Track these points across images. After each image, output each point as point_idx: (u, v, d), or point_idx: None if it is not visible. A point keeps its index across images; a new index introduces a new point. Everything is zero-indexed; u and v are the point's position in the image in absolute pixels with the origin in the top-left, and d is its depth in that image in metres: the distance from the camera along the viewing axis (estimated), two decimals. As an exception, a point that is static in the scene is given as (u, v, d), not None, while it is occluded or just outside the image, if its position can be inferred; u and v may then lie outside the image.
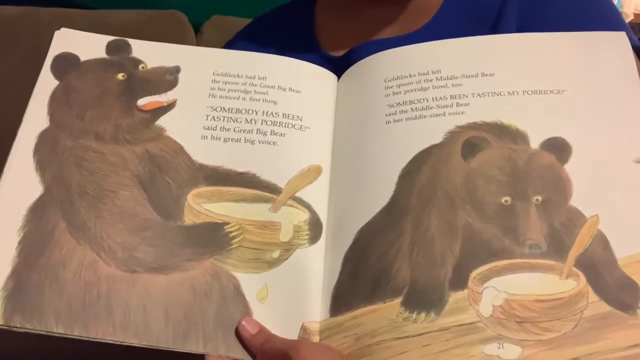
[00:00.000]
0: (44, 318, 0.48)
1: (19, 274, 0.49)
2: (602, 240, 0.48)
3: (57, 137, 0.54)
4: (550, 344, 0.45)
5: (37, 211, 0.51)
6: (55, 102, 0.56)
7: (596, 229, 0.48)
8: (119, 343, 0.47)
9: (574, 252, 0.48)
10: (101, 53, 0.59)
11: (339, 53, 0.69)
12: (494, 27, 0.64)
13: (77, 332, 0.47)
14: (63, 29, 0.61)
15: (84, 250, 0.50)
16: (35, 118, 0.55)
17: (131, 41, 0.60)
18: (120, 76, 0.58)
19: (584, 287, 0.47)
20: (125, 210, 0.52)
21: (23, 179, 0.52)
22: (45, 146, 0.54)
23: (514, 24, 0.63)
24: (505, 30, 0.62)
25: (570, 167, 0.50)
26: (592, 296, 0.47)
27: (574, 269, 0.48)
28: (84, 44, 0.59)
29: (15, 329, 0.47)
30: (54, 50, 0.59)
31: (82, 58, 0.58)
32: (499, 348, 0.46)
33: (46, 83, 0.57)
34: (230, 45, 0.79)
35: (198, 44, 1.34)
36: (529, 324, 0.46)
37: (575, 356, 0.45)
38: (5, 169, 0.53)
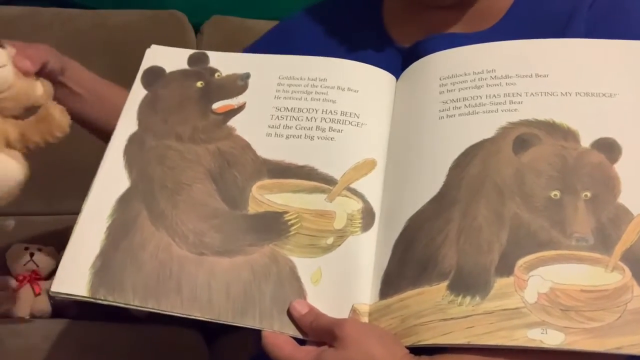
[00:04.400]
0: (124, 292, 0.53)
1: (105, 254, 0.55)
2: None
3: (144, 138, 0.61)
4: (593, 332, 0.46)
5: (124, 202, 0.58)
6: (144, 108, 0.63)
7: None
8: (185, 316, 0.52)
9: (620, 247, 0.48)
10: (183, 64, 0.66)
11: (407, 44, 0.70)
12: (562, 31, 0.63)
13: (151, 305, 0.53)
14: (153, 46, 0.68)
15: (161, 235, 0.56)
16: (127, 122, 0.62)
17: (209, 53, 0.67)
18: (199, 84, 0.64)
19: (629, 281, 0.47)
20: (197, 201, 0.58)
21: (114, 174, 0.59)
22: (133, 147, 0.61)
23: (583, 30, 0.63)
24: (573, 35, 0.62)
25: (620, 167, 0.51)
26: (638, 290, 0.47)
27: (620, 263, 0.48)
28: (169, 57, 0.67)
29: (99, 301, 0.53)
30: (145, 64, 0.66)
31: (168, 70, 0.66)
32: (542, 333, 0.46)
33: (137, 93, 0.65)
34: (295, 19, 0.80)
35: (198, 44, 1.36)
36: (573, 312, 0.47)
37: (619, 345, 0.45)
38: (100, 166, 0.60)
